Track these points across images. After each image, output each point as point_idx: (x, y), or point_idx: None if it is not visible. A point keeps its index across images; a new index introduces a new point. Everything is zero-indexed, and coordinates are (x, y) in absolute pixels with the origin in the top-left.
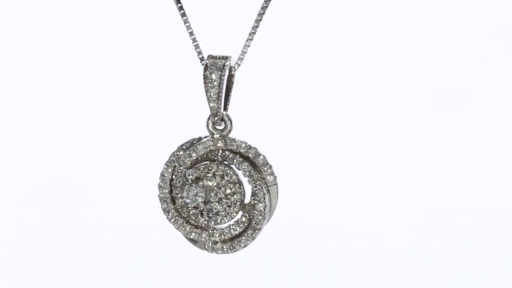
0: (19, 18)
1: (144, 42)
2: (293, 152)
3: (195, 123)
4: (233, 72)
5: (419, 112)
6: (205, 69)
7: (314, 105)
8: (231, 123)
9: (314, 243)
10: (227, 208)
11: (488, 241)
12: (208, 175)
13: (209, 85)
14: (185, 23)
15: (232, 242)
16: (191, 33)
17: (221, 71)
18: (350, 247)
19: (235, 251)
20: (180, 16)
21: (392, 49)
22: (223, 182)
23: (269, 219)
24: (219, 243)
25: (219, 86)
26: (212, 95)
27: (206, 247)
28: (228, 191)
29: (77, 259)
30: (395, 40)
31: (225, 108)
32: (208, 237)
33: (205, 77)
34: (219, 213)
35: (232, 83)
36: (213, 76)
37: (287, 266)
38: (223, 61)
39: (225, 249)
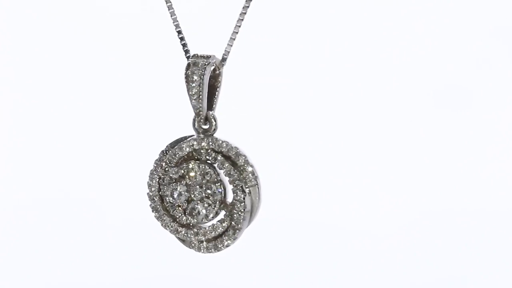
0: (5, 16)
1: (136, 41)
2: (293, 152)
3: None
4: (218, 71)
5: (421, 112)
6: (187, 67)
7: (315, 105)
8: (215, 122)
9: (313, 243)
10: (208, 207)
11: (488, 241)
12: (191, 174)
13: (190, 84)
14: (173, 22)
15: (216, 241)
16: (179, 32)
17: (202, 70)
18: (350, 247)
19: (218, 250)
20: (169, 15)
21: (394, 49)
22: (204, 181)
23: (251, 219)
24: (204, 242)
25: (199, 85)
26: (193, 94)
27: (193, 246)
28: (209, 190)
29: (76, 259)
30: (397, 40)
31: (211, 107)
32: (194, 236)
33: (186, 76)
34: (200, 212)
35: (219, 82)
36: (194, 75)
37: (287, 266)
38: (205, 60)
39: (209, 248)
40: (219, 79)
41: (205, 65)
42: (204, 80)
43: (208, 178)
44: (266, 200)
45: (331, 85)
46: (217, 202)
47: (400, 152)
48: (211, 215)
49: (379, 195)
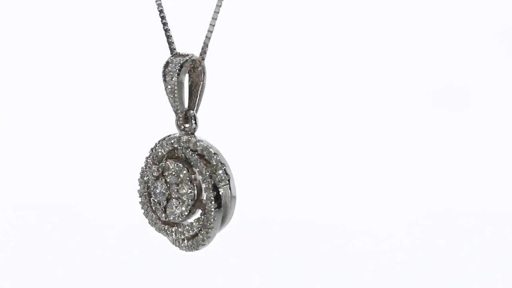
0: None
1: (130, 40)
2: (293, 151)
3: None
4: (199, 69)
5: (420, 112)
6: (164, 66)
7: (315, 104)
8: (195, 121)
9: (313, 243)
10: (182, 205)
11: (489, 241)
12: (167, 172)
13: (166, 82)
14: (162, 20)
15: (193, 240)
16: (166, 30)
17: (177, 68)
18: (350, 247)
19: (197, 249)
20: (158, 14)
21: (393, 49)
22: (178, 180)
23: (225, 219)
24: (185, 240)
25: (174, 84)
26: (169, 93)
27: (177, 244)
28: (183, 190)
29: (76, 259)
30: (396, 40)
31: (191, 106)
32: (175, 234)
33: (163, 75)
34: (175, 210)
35: (201, 80)
36: (170, 73)
37: (287, 266)
38: (182, 57)
39: (189, 247)
40: (201, 77)
41: (180, 62)
42: (179, 79)
43: (181, 177)
44: (266, 200)
45: (331, 85)
46: (190, 200)
47: (399, 152)
48: (186, 214)
49: (379, 195)
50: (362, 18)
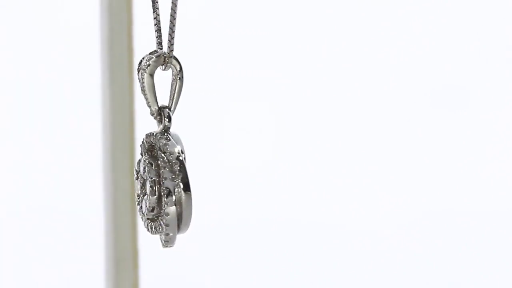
0: None
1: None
2: (293, 151)
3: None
4: (170, 65)
5: (420, 112)
6: (138, 63)
7: (314, 105)
8: (167, 119)
9: (313, 243)
10: (146, 202)
11: (489, 241)
12: (140, 169)
13: (139, 80)
14: (154, 18)
15: (162, 236)
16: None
17: (144, 65)
18: (350, 247)
19: (170, 246)
20: (152, 10)
21: (392, 49)
22: (145, 177)
23: (182, 217)
24: (163, 235)
25: (143, 81)
26: (141, 90)
27: (160, 240)
28: (147, 186)
29: (75, 259)
30: (395, 40)
31: (169, 103)
32: (152, 229)
33: (137, 72)
34: (142, 206)
35: (179, 79)
36: (141, 70)
37: (287, 266)
38: (150, 55)
39: (164, 243)
40: (175, 73)
41: (143, 59)
42: (147, 76)
43: (148, 175)
44: (265, 201)
45: (330, 85)
46: (150, 197)
47: (399, 152)
48: (149, 211)
49: (378, 195)
50: (361, 18)
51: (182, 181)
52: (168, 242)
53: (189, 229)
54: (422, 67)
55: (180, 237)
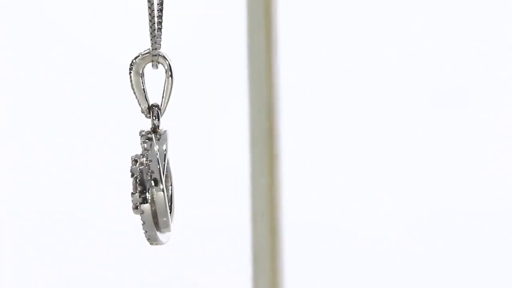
0: None
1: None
2: (293, 151)
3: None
4: (159, 63)
5: (420, 112)
6: (130, 64)
7: (314, 104)
8: (156, 118)
9: (314, 243)
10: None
11: (489, 241)
12: (134, 167)
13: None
14: (150, 21)
15: (146, 234)
16: (152, 32)
17: (131, 64)
18: (350, 247)
19: (156, 244)
20: (148, 13)
21: (391, 49)
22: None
23: (160, 218)
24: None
25: (131, 80)
26: (131, 89)
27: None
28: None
29: (74, 260)
30: (395, 40)
31: (145, 101)
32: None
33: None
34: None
35: (169, 77)
36: (130, 70)
37: (287, 266)
38: (139, 55)
39: (148, 241)
40: (165, 71)
41: (131, 59)
42: (132, 75)
43: (132, 172)
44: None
45: (330, 85)
46: (133, 195)
47: (399, 152)
48: (133, 208)
49: (377, 195)
50: (361, 18)
51: (153, 179)
52: (150, 239)
53: (174, 226)
54: (422, 67)
55: (173, 235)
